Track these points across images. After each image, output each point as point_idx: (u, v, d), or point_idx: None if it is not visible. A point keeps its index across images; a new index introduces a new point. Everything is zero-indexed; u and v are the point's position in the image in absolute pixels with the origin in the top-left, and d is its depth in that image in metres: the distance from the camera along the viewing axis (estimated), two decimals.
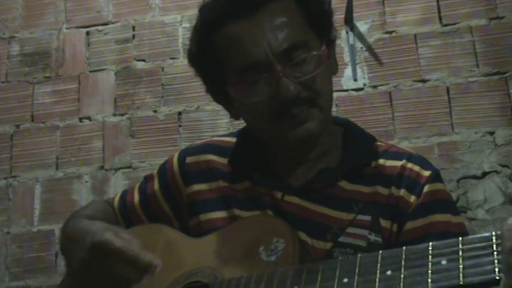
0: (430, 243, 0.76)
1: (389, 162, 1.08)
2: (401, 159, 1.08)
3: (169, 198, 1.20)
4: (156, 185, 1.22)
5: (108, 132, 2.42)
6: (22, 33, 2.59)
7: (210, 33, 1.07)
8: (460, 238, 0.74)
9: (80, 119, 2.46)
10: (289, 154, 1.11)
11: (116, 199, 1.27)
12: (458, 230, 1.01)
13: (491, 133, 2.16)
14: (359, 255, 0.81)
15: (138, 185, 1.27)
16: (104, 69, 2.49)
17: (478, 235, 0.74)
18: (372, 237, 1.02)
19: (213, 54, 1.07)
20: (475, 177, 2.14)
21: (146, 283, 0.96)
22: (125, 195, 1.27)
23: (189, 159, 1.19)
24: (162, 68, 2.43)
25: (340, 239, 1.02)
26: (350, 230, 1.03)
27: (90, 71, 2.50)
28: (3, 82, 2.55)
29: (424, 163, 1.08)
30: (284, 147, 1.10)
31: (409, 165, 1.06)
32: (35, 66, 2.54)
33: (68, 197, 2.37)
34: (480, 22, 2.26)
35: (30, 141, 2.46)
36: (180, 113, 2.38)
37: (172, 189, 1.19)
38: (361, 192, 1.06)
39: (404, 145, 2.05)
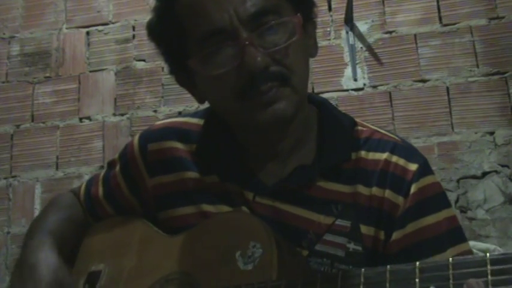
0: (417, 264, 0.68)
1: (372, 155, 0.96)
2: (384, 151, 0.96)
3: (134, 191, 1.10)
4: (119, 177, 1.12)
5: (108, 132, 2.42)
6: (22, 33, 2.59)
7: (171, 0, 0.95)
8: (450, 260, 0.67)
9: (80, 119, 2.46)
10: (260, 142, 0.98)
11: (82, 191, 1.17)
12: (449, 228, 0.93)
13: (491, 133, 2.16)
14: (340, 271, 0.73)
15: (102, 174, 1.17)
16: (104, 69, 2.49)
17: (470, 257, 0.66)
18: (351, 246, 0.92)
19: (174, 23, 0.94)
20: (475, 177, 2.14)
21: None
22: (90, 186, 1.17)
23: (151, 147, 1.07)
24: (162, 68, 2.43)
25: (316, 247, 0.93)
26: (328, 237, 0.93)
27: (90, 71, 2.50)
28: (3, 82, 2.55)
29: (410, 153, 0.97)
30: (252, 131, 0.96)
31: (394, 158, 0.95)
32: (35, 66, 2.54)
33: None
34: (480, 22, 2.26)
35: (30, 141, 2.46)
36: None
37: (136, 180, 1.09)
38: (341, 192, 0.95)
39: None
